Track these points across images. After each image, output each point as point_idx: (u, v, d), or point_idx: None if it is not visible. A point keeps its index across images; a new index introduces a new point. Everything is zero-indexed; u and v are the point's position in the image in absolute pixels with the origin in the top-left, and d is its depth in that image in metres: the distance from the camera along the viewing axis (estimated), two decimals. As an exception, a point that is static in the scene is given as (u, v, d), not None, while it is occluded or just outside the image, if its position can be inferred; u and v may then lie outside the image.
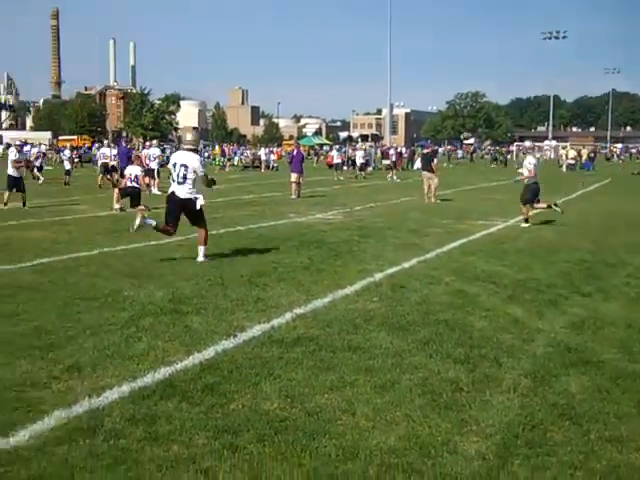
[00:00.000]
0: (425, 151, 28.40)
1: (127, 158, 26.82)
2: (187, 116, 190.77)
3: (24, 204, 21.27)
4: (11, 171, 21.59)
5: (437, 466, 4.34)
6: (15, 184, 21.50)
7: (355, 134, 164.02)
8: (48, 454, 4.40)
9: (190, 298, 8.82)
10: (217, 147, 73.97)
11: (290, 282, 9.92)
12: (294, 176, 26.47)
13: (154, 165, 28.84)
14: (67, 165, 35.36)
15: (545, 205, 17.95)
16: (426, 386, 5.73)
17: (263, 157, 59.23)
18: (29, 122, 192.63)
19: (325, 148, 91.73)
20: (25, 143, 24.19)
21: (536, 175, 17.63)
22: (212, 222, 17.17)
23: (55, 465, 4.26)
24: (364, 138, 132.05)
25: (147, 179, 28.94)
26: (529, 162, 17.75)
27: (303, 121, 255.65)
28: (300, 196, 26.07)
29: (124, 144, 37.48)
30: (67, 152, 38.31)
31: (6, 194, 21.28)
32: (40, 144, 43.74)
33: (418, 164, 55.21)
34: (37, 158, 36.81)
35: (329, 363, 6.32)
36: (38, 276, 10.11)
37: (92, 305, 8.39)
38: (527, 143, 21.59)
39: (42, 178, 33.87)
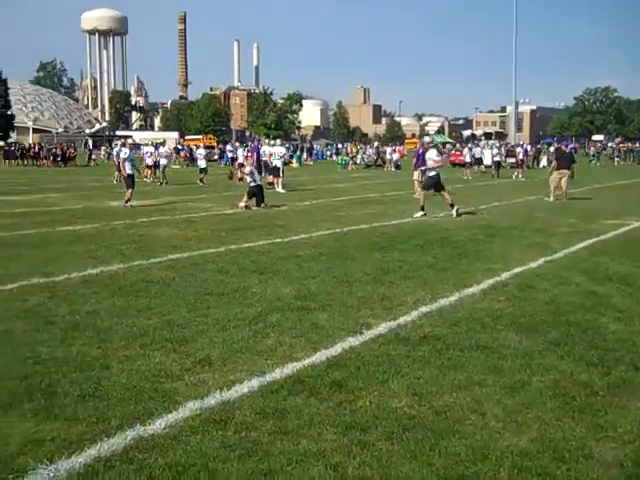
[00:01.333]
0: (568, 149, 28.92)
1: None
2: (309, 115, 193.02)
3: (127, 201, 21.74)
4: (128, 169, 22.23)
5: (572, 471, 4.22)
6: (133, 181, 22.20)
7: (478, 132, 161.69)
8: (183, 443, 4.54)
9: (316, 295, 8.91)
10: (352, 146, 75.73)
11: (415, 280, 9.88)
12: (417, 174, 26.27)
13: (279, 163, 29.16)
14: (202, 164, 35.83)
15: (450, 200, 19.07)
16: (558, 388, 5.59)
17: (388, 156, 58.80)
18: (157, 122, 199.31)
19: (448, 146, 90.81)
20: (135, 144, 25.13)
21: (440, 166, 19.55)
22: (335, 220, 17.35)
23: (190, 454, 4.39)
24: (487, 136, 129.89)
25: (271, 177, 29.45)
26: (429, 157, 19.56)
27: (425, 119, 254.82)
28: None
29: (256, 143, 38.02)
30: (202, 150, 38.85)
31: (129, 191, 21.89)
32: (155, 143, 44.22)
33: (544, 162, 54.06)
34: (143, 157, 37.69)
35: (457, 362, 6.26)
36: (169, 272, 10.44)
37: (221, 300, 8.60)
38: (426, 138, 23.32)
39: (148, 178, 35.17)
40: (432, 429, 4.80)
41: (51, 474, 4.11)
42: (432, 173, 19.29)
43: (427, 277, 10.14)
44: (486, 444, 4.57)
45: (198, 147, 47.13)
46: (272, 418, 4.97)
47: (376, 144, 68.20)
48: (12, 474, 4.11)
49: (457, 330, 7.30)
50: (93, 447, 4.45)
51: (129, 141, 25.19)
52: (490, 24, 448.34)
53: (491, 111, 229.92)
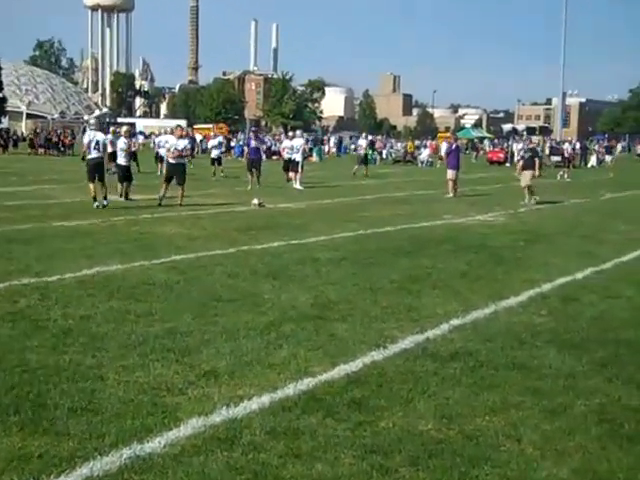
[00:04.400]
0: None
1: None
2: (332, 104, 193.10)
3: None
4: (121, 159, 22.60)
5: (617, 506, 4.20)
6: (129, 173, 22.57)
7: (520, 126, 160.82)
8: (185, 464, 4.54)
9: (336, 303, 8.91)
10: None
11: (446, 290, 9.87)
12: (450, 173, 26.24)
13: (298, 157, 29.13)
14: (215, 154, 35.63)
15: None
16: (604, 414, 5.55)
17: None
18: (164, 109, 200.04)
19: (485, 142, 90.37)
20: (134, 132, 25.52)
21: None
22: (359, 221, 17.35)
23: (192, 476, 4.39)
24: (530, 131, 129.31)
25: (291, 173, 29.49)
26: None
27: (461, 111, 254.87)
28: (457, 195, 25.82)
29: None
30: (213, 141, 38.78)
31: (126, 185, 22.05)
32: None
33: (594, 161, 53.96)
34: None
35: (490, 382, 6.23)
36: (173, 274, 10.47)
37: (229, 307, 8.61)
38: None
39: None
40: (462, 455, 4.78)
41: (38, 494, 4.13)
42: (173, 161, 20.92)
43: (459, 287, 10.12)
44: (522, 473, 4.55)
45: (216, 136, 47.21)
46: (284, 439, 4.96)
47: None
48: (-5, 493, 4.14)
49: (491, 346, 7.27)
50: (85, 466, 4.46)
51: (124, 129, 25.42)
52: (536, 6, 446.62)
53: (535, 103, 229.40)
